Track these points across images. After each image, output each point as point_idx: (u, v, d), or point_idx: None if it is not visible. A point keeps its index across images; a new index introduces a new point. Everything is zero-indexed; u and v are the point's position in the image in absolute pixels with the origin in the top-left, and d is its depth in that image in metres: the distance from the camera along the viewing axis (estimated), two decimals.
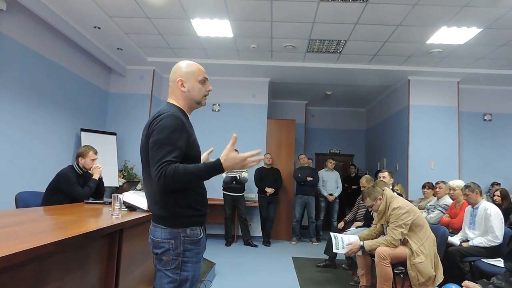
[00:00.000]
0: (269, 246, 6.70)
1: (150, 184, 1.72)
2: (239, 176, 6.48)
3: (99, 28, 5.39)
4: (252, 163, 1.70)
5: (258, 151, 1.72)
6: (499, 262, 3.33)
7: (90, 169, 3.76)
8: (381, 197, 3.55)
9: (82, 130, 5.95)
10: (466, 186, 4.07)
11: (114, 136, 6.64)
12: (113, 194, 2.40)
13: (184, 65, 1.85)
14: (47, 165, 5.11)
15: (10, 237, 1.55)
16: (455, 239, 3.98)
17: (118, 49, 6.25)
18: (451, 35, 5.22)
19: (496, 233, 3.68)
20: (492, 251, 3.64)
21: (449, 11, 4.56)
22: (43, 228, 1.90)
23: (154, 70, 7.16)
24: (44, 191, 3.59)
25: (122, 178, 6.42)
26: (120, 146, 6.72)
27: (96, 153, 3.80)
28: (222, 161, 1.65)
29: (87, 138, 5.90)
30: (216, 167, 1.64)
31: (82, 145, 3.98)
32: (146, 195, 1.81)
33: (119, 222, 2.13)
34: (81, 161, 3.70)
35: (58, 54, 5.36)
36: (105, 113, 7.01)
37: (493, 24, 4.82)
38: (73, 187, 3.48)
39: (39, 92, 5.03)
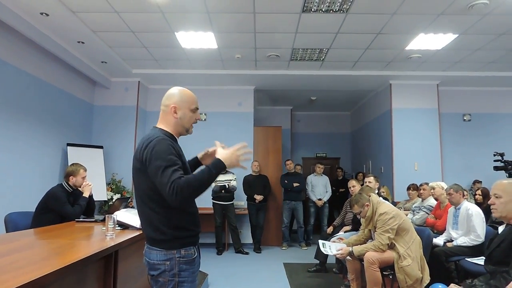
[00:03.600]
0: (260, 252, 6.76)
1: (144, 207, 1.77)
2: (228, 184, 6.54)
3: (82, 42, 5.40)
4: (243, 156, 1.84)
5: (244, 143, 1.87)
6: (482, 261, 3.46)
7: (80, 187, 3.77)
8: (368, 203, 3.66)
9: (68, 144, 5.92)
10: (453, 186, 4.20)
11: (101, 150, 6.62)
12: (106, 215, 2.43)
13: (179, 93, 1.89)
14: (34, 183, 5.07)
15: (11, 267, 1.57)
16: (439, 240, 4.12)
17: (102, 62, 6.25)
18: (429, 41, 5.40)
19: (478, 232, 3.83)
20: (475, 250, 3.78)
21: (425, 19, 4.73)
22: (41, 255, 1.93)
23: (139, 81, 7.16)
24: (34, 210, 3.58)
25: (111, 191, 6.40)
26: (107, 159, 6.70)
27: (85, 170, 3.82)
28: (218, 156, 1.78)
29: (73, 153, 5.87)
30: (217, 163, 1.75)
31: (70, 164, 3.98)
32: (140, 218, 1.85)
33: (115, 243, 2.17)
34: (72, 179, 3.70)
35: (40, 69, 5.31)
36: (91, 126, 6.98)
37: (468, 30, 5.01)
38: (64, 206, 3.48)
39: (23, 108, 4.98)
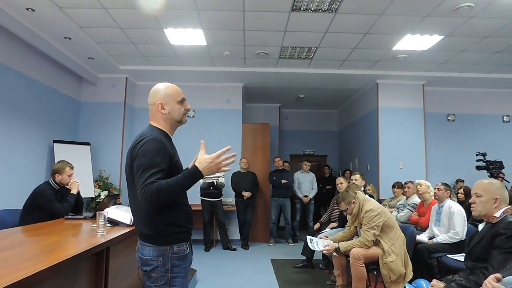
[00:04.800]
0: (248, 249, 6.81)
1: (136, 204, 1.80)
2: (216, 181, 6.56)
3: (69, 38, 5.33)
4: (226, 162, 1.79)
5: (228, 147, 1.80)
6: (463, 257, 3.57)
7: (67, 184, 3.75)
8: (354, 200, 3.73)
9: (55, 141, 5.85)
10: (443, 184, 4.31)
11: (88, 146, 6.55)
12: (97, 212, 2.44)
13: (162, 88, 1.90)
14: (20, 180, 5.01)
15: (4, 264, 1.58)
16: (423, 237, 4.23)
17: (89, 58, 6.18)
18: (415, 42, 5.51)
19: (457, 229, 3.94)
20: (456, 247, 3.89)
21: (412, 20, 4.82)
22: (33, 253, 1.94)
23: (126, 78, 7.10)
24: (21, 208, 3.56)
25: (98, 188, 6.36)
26: (94, 156, 6.64)
27: (72, 168, 3.80)
28: (197, 164, 1.75)
29: (60, 150, 5.81)
30: (194, 172, 1.73)
31: (57, 161, 3.95)
32: (133, 214, 1.87)
33: (106, 240, 2.18)
34: (58, 177, 3.69)
35: (25, 65, 5.23)
36: (78, 123, 6.90)
37: (453, 32, 5.13)
38: (52, 204, 3.46)
39: (8, 105, 4.91)
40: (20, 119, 5.15)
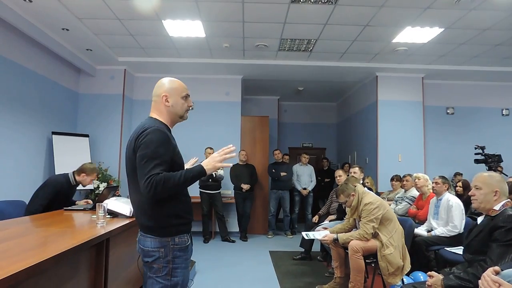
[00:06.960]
0: (246, 241, 6.84)
1: (137, 195, 1.80)
2: (215, 174, 6.56)
3: (67, 30, 5.29)
4: (225, 157, 1.88)
5: (229, 146, 1.92)
6: (460, 250, 3.59)
7: (84, 186, 3.81)
8: (353, 193, 3.74)
9: (54, 133, 5.84)
10: (441, 177, 4.32)
11: (87, 138, 6.54)
12: (97, 203, 2.45)
13: (168, 82, 1.95)
14: (19, 172, 5.02)
15: (6, 255, 1.58)
16: (421, 231, 4.25)
17: (87, 50, 6.15)
18: (415, 34, 5.48)
19: (455, 223, 3.96)
20: (454, 240, 3.91)
21: (413, 12, 4.80)
22: (35, 243, 1.94)
23: (125, 69, 7.07)
24: (18, 199, 3.58)
25: (97, 179, 6.35)
26: (93, 147, 6.63)
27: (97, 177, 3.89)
28: (202, 163, 1.85)
29: (59, 142, 5.80)
30: (198, 169, 1.81)
31: (90, 162, 4.01)
32: (133, 205, 1.88)
33: (106, 231, 2.19)
34: (83, 176, 3.74)
35: (23, 56, 5.20)
36: (76, 114, 6.88)
37: (454, 25, 5.10)
38: (38, 200, 3.48)
39: (7, 96, 4.89)
40: (18, 111, 5.13)
